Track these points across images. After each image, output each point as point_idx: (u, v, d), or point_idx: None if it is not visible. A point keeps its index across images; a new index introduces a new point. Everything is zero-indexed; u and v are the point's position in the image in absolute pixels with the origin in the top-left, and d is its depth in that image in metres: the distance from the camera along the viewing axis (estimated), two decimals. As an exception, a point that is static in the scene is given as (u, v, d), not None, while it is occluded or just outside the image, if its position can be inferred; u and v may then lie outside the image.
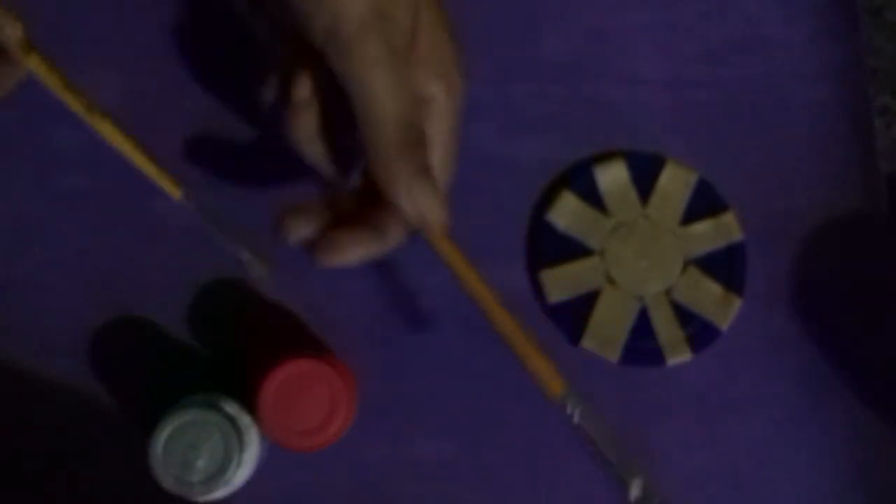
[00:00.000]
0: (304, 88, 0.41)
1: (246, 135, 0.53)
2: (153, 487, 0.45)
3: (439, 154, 0.41)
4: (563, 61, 0.54)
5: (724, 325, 0.52)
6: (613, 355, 0.52)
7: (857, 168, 0.54)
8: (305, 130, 0.41)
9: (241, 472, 0.46)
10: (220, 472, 0.46)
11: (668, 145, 0.54)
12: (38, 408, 0.52)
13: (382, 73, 0.37)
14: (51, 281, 0.52)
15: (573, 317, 0.52)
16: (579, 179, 0.53)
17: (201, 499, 0.46)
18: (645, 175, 0.53)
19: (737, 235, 0.53)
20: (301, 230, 0.42)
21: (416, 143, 0.39)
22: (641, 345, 0.52)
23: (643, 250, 0.53)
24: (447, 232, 0.42)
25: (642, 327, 0.52)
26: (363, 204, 0.42)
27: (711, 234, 0.53)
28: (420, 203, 0.39)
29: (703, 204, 0.53)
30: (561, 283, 0.52)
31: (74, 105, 0.50)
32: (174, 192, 0.52)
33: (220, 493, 0.46)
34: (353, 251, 0.41)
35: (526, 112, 0.54)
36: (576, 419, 0.48)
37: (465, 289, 0.43)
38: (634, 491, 0.49)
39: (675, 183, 0.53)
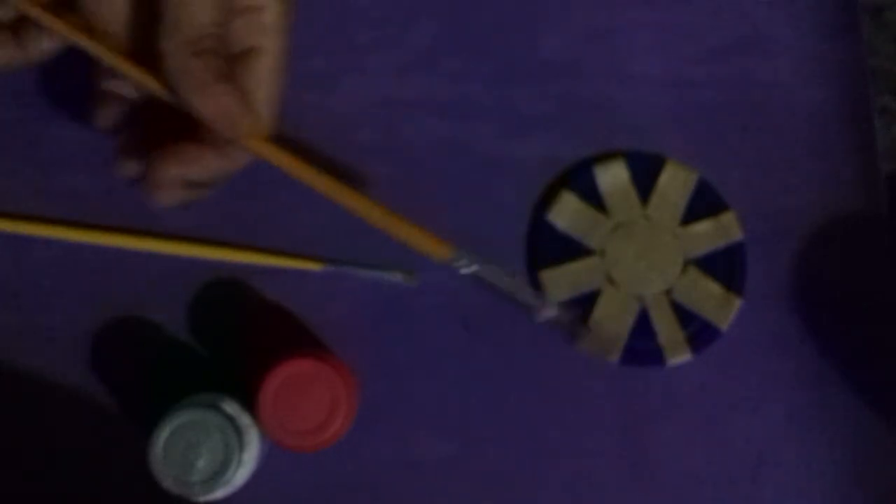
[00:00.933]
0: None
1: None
2: (153, 487, 0.45)
3: (268, 62, 0.42)
4: (563, 61, 0.54)
5: (724, 325, 0.52)
6: (613, 355, 0.52)
7: (857, 168, 0.54)
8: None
9: (241, 472, 0.46)
10: (220, 472, 0.46)
11: (668, 145, 0.54)
12: (38, 408, 0.52)
13: None
14: (51, 281, 0.52)
15: (573, 317, 0.52)
16: (579, 179, 0.53)
17: (201, 499, 0.46)
18: (645, 175, 0.53)
19: (737, 235, 0.53)
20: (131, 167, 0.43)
21: (215, 51, 0.39)
22: (641, 345, 0.52)
23: (643, 250, 0.53)
24: (262, 134, 0.42)
25: (642, 327, 0.52)
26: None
27: (711, 234, 0.53)
28: (222, 104, 0.39)
29: (703, 204, 0.53)
30: (561, 283, 0.52)
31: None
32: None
33: (220, 493, 0.46)
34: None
35: (526, 112, 0.54)
36: (468, 271, 0.47)
37: (308, 184, 0.43)
38: (546, 312, 0.48)
39: (675, 183, 0.53)
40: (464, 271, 0.46)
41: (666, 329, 0.52)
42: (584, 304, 0.52)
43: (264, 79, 0.42)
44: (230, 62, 0.41)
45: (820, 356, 0.53)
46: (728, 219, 0.53)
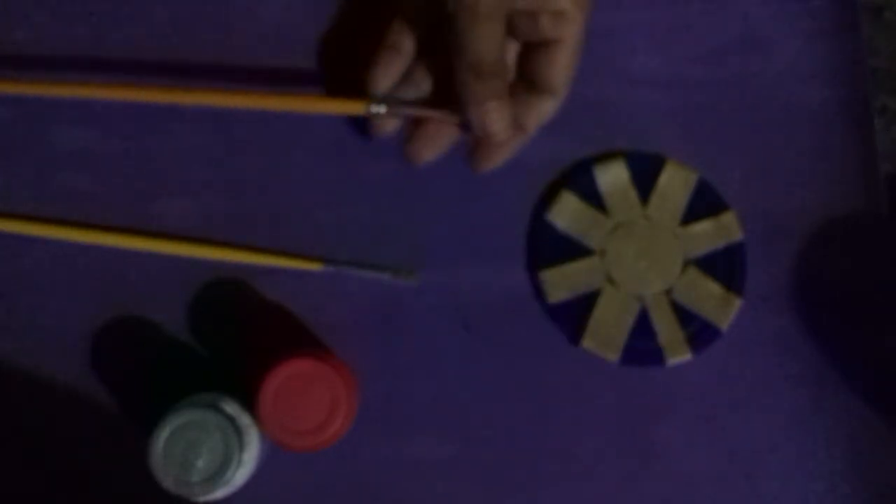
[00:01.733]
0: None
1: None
2: (153, 487, 0.45)
3: (565, 54, 0.48)
4: (563, 61, 0.54)
5: (724, 325, 0.52)
6: (613, 355, 0.52)
7: (857, 168, 0.54)
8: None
9: (241, 472, 0.46)
10: (220, 472, 0.46)
11: (668, 145, 0.54)
12: (38, 408, 0.52)
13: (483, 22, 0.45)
14: (51, 281, 0.52)
15: (573, 317, 0.52)
16: (579, 179, 0.53)
17: (201, 499, 0.46)
18: (645, 175, 0.53)
19: (737, 235, 0.53)
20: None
21: (495, 73, 0.46)
22: (641, 345, 0.52)
23: (643, 250, 0.53)
24: (519, 142, 0.50)
25: (642, 327, 0.52)
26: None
27: (711, 234, 0.53)
28: (492, 119, 0.47)
29: (703, 204, 0.53)
30: (561, 283, 0.52)
31: None
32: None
33: (220, 493, 0.46)
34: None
35: (526, 112, 0.54)
36: (378, 110, 0.48)
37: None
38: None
39: (675, 183, 0.53)
40: (374, 110, 0.48)
41: (666, 329, 0.52)
42: (583, 303, 0.52)
43: (563, 67, 0.48)
44: (529, 51, 0.49)
45: (820, 356, 0.53)
46: (728, 219, 0.53)
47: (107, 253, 0.52)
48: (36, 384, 0.52)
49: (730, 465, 0.52)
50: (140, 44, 0.53)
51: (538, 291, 0.53)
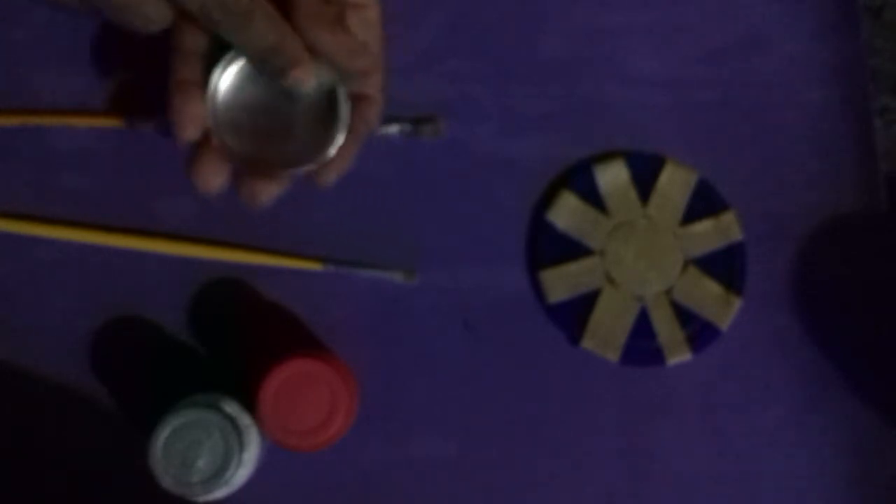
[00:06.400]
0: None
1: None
2: (153, 487, 0.45)
3: (374, 12, 0.46)
4: (563, 61, 0.54)
5: (724, 325, 0.52)
6: (613, 355, 0.52)
7: (857, 168, 0.54)
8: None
9: (241, 472, 0.46)
10: (220, 472, 0.46)
11: (668, 145, 0.54)
12: (38, 408, 0.52)
13: None
14: (51, 281, 0.52)
15: (573, 317, 0.52)
16: (579, 179, 0.53)
17: (201, 499, 0.46)
18: (645, 175, 0.53)
19: (737, 235, 0.53)
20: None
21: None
22: (641, 345, 0.52)
23: (643, 250, 0.53)
24: (377, 69, 0.46)
25: (642, 327, 0.52)
26: None
27: (711, 234, 0.53)
28: (345, 41, 0.44)
29: (703, 204, 0.53)
30: (561, 283, 0.52)
31: None
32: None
33: (220, 493, 0.46)
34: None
35: (526, 112, 0.54)
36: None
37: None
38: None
39: (675, 183, 0.53)
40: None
41: (666, 329, 0.52)
42: (583, 303, 0.52)
43: (374, 25, 0.46)
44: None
45: (820, 356, 0.53)
46: (728, 219, 0.53)
47: (107, 253, 0.52)
48: (36, 384, 0.52)
49: (730, 465, 0.52)
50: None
51: (538, 291, 0.53)
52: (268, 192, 0.45)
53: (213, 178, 0.44)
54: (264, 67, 0.43)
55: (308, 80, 0.43)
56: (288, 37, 0.43)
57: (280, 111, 0.45)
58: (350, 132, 0.45)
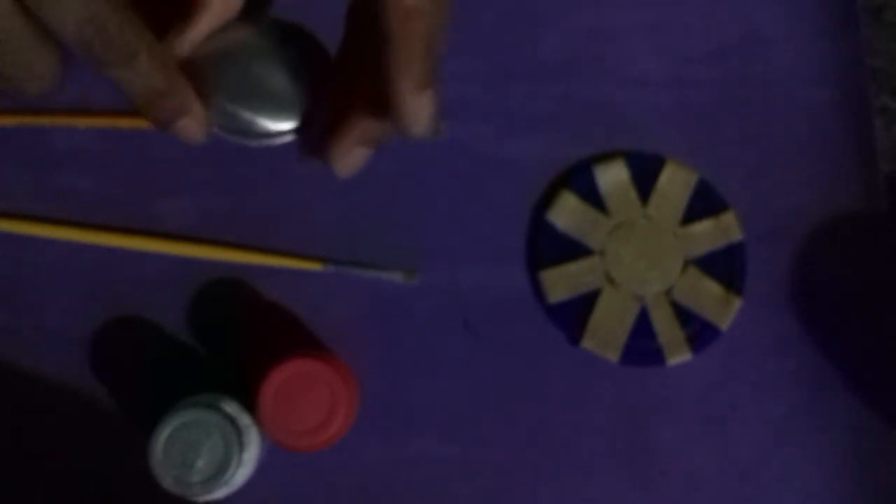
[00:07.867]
0: None
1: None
2: (153, 487, 0.45)
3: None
4: (563, 61, 0.54)
5: (724, 325, 0.52)
6: (613, 355, 0.52)
7: (857, 168, 0.54)
8: None
9: (241, 472, 0.46)
10: (220, 472, 0.46)
11: (668, 145, 0.54)
12: (38, 408, 0.52)
13: None
14: (51, 281, 0.52)
15: (573, 317, 0.52)
16: (579, 179, 0.53)
17: (201, 499, 0.46)
18: (645, 175, 0.53)
19: (737, 235, 0.53)
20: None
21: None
22: (641, 345, 0.52)
23: (643, 250, 0.53)
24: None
25: (642, 327, 0.52)
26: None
27: (711, 234, 0.53)
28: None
29: (703, 204, 0.53)
30: (561, 283, 0.52)
31: None
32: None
33: (220, 493, 0.46)
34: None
35: (525, 112, 0.54)
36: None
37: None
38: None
39: (675, 183, 0.53)
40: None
41: (666, 329, 0.52)
42: (583, 303, 0.52)
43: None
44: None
45: (820, 356, 0.53)
46: (728, 219, 0.53)
47: (107, 253, 0.52)
48: (36, 384, 0.52)
49: (729, 465, 0.52)
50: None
51: (538, 291, 0.53)
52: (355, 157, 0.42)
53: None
54: (146, 114, 0.38)
55: (198, 132, 0.39)
56: (178, 82, 0.38)
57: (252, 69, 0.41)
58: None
